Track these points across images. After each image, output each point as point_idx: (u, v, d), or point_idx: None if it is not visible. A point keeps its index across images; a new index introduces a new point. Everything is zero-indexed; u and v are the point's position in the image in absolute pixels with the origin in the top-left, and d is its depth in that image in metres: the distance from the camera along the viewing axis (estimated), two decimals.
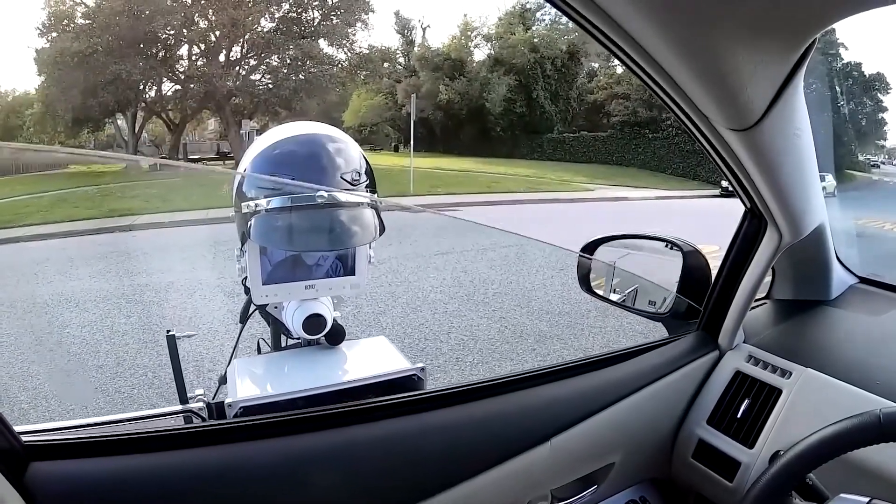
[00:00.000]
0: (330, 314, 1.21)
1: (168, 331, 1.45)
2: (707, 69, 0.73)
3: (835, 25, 0.68)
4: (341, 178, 1.14)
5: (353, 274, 1.27)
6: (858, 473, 1.01)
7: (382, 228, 1.19)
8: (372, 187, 1.20)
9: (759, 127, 0.86)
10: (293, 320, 1.19)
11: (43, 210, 14.13)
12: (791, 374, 1.27)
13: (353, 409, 0.99)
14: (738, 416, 1.28)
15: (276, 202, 1.11)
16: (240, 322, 1.43)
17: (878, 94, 29.34)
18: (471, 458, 1.04)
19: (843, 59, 28.39)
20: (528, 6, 35.69)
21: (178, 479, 0.83)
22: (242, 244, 1.20)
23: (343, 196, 1.13)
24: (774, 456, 0.90)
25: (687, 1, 0.62)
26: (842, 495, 0.81)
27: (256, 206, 1.12)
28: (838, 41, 27.07)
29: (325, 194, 1.11)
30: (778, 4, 0.62)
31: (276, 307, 1.27)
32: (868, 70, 29.56)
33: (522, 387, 1.14)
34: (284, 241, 1.14)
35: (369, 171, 1.21)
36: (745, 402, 1.29)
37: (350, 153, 1.18)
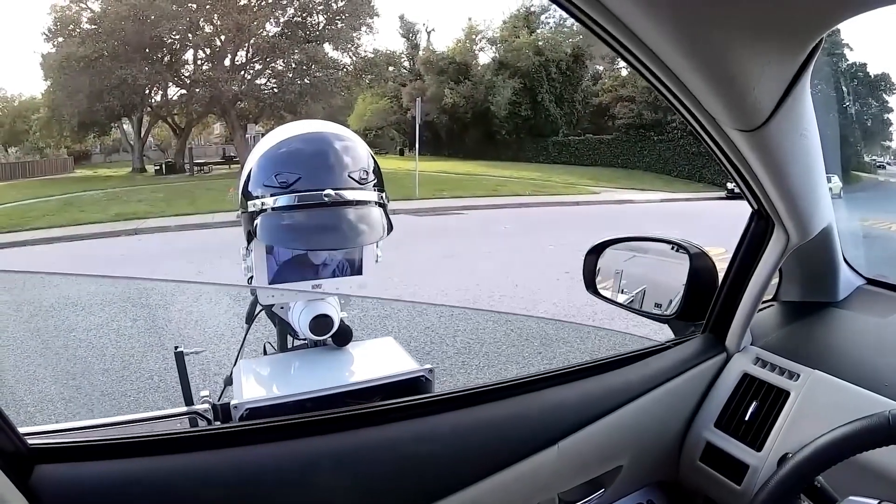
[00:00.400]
0: (337, 314, 1.20)
1: (176, 347, 1.45)
2: (714, 70, 0.73)
3: (839, 26, 0.68)
4: (349, 176, 1.13)
5: (360, 273, 1.26)
6: (868, 475, 1.00)
7: (390, 227, 1.19)
8: (380, 186, 1.20)
9: (767, 127, 0.85)
10: (300, 321, 1.18)
11: (50, 214, 14.21)
12: (799, 376, 1.26)
13: (359, 413, 0.99)
14: (746, 418, 1.27)
15: (282, 200, 1.11)
16: (246, 323, 1.43)
17: (884, 95, 29.21)
18: (478, 461, 1.04)
19: (848, 60, 28.30)
20: (532, 9, 35.70)
21: (183, 482, 0.83)
22: (248, 243, 1.19)
23: (350, 194, 1.12)
24: (783, 459, 0.90)
25: (694, 2, 0.62)
26: (851, 498, 0.80)
27: (262, 204, 1.12)
28: (843, 42, 27.01)
29: (332, 192, 1.10)
30: (784, 5, 0.61)
31: (282, 307, 1.27)
32: (873, 70, 29.45)
33: (529, 390, 1.13)
34: (291, 239, 1.13)
35: (377, 170, 1.20)
36: (753, 404, 1.28)
37: (358, 151, 1.18)
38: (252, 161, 1.18)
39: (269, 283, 1.19)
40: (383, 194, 1.20)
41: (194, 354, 1.53)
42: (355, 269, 1.26)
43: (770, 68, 0.73)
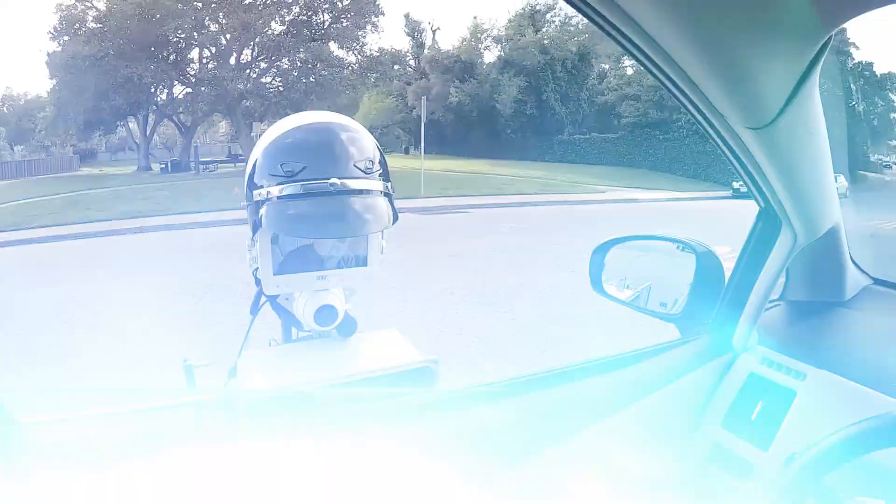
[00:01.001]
0: (341, 305, 1.20)
1: (185, 360, 1.45)
2: (725, 68, 0.72)
3: (846, 24, 0.67)
4: (354, 166, 1.13)
5: (366, 265, 1.26)
6: (874, 476, 0.99)
7: (395, 217, 1.19)
8: (385, 176, 1.20)
9: (776, 125, 0.85)
10: (304, 311, 1.19)
11: (55, 212, 14.26)
12: (806, 375, 1.25)
13: (363, 412, 0.98)
14: (753, 418, 1.27)
15: (287, 189, 1.11)
16: (250, 313, 1.43)
17: (890, 94, 29.12)
18: (483, 461, 1.03)
19: (854, 59, 28.22)
20: (537, 8, 35.72)
21: (185, 480, 0.83)
22: (254, 234, 1.19)
23: (355, 184, 1.12)
24: (790, 459, 0.89)
25: (705, 0, 0.61)
26: (858, 499, 0.80)
27: (268, 193, 1.12)
28: (850, 40, 26.93)
29: (338, 181, 1.10)
30: (795, 2, 0.61)
31: (286, 298, 1.27)
32: (880, 70, 29.38)
33: (533, 389, 1.13)
34: (296, 227, 1.13)
35: (383, 161, 1.20)
36: (760, 404, 1.27)
37: (363, 142, 1.18)
38: (258, 151, 1.18)
39: (274, 274, 1.20)
40: (388, 184, 1.20)
41: (204, 367, 1.54)
42: (360, 260, 1.26)
43: (779, 65, 0.72)
